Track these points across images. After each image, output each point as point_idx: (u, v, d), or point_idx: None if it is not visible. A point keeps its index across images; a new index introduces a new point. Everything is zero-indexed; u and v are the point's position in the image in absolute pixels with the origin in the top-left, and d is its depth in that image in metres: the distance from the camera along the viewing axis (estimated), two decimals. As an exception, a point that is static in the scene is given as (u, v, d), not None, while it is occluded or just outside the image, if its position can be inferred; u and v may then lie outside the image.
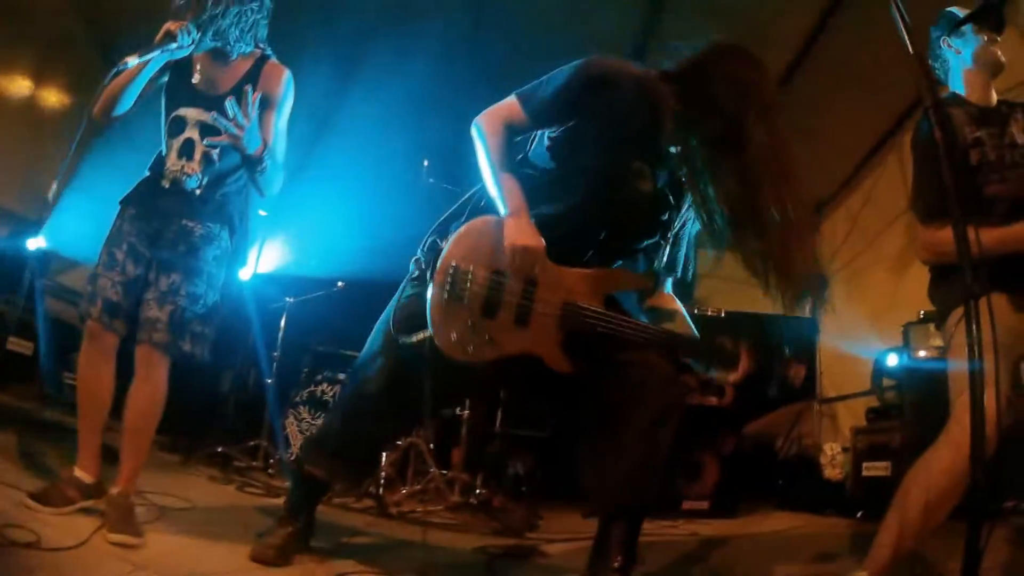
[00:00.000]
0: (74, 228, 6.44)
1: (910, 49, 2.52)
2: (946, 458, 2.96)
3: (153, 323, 3.37)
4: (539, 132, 3.22)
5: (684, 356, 3.25)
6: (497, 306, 2.92)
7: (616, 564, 2.90)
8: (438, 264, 2.92)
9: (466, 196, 3.26)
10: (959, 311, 3.07)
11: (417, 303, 2.98)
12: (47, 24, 6.43)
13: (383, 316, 3.32)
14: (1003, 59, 3.41)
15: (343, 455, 3.36)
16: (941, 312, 3.40)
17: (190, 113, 3.55)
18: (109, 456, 3.49)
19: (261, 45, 3.68)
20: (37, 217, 6.60)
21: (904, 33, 2.54)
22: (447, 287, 2.90)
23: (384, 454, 5.65)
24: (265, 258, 8.44)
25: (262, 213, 7.94)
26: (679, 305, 3.45)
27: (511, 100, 3.12)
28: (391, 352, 3.16)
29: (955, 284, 3.01)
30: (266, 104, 3.58)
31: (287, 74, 3.68)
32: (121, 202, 3.62)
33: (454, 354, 2.87)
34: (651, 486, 3.01)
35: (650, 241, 3.29)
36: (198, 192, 3.55)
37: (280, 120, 3.69)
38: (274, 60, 3.70)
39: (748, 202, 2.94)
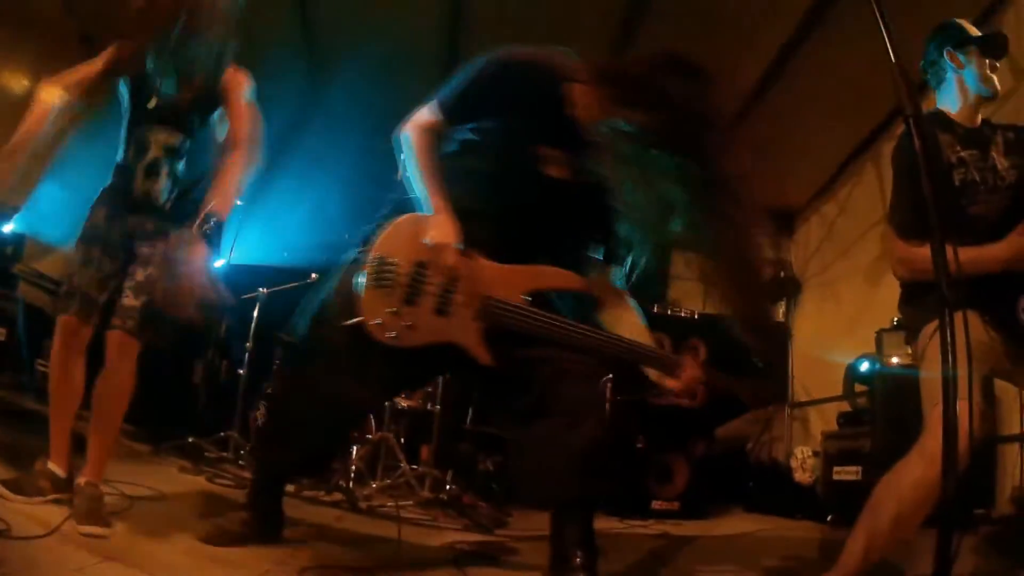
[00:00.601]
0: (50, 214, 6.39)
1: (893, 57, 2.53)
2: (918, 470, 2.97)
3: (127, 311, 3.35)
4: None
5: (616, 360, 3.25)
6: (418, 295, 3.01)
7: (577, 561, 2.92)
8: (368, 255, 3.04)
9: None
10: (931, 326, 3.12)
11: (351, 291, 3.03)
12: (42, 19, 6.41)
13: (313, 304, 3.43)
14: (999, 88, 3.43)
15: (289, 447, 3.39)
16: (912, 329, 3.42)
17: (153, 134, 3.53)
18: (79, 445, 3.46)
19: None
20: (11, 201, 6.54)
21: (888, 41, 2.55)
22: (374, 276, 3.00)
23: (336, 446, 5.67)
24: (239, 248, 8.42)
25: (238, 203, 7.89)
26: (631, 305, 3.47)
27: (428, 105, 3.23)
28: (324, 340, 3.23)
29: (928, 303, 3.13)
30: (225, 116, 3.60)
31: (245, 86, 3.63)
32: (92, 206, 3.60)
33: (380, 338, 2.96)
34: (570, 483, 2.99)
35: (599, 237, 3.42)
36: (167, 206, 3.56)
37: (243, 104, 3.62)
38: (232, 68, 3.61)
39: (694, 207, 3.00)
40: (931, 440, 3.03)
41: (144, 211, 3.53)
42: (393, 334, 2.96)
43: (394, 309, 2.97)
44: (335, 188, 8.16)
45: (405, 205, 3.20)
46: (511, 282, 3.10)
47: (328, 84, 7.87)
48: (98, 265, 3.45)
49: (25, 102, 3.35)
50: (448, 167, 3.20)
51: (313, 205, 8.30)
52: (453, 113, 3.19)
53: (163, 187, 3.54)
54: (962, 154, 3.32)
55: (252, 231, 8.63)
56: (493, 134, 3.19)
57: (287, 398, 3.48)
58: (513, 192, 3.15)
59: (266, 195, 8.58)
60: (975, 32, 3.46)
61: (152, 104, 3.52)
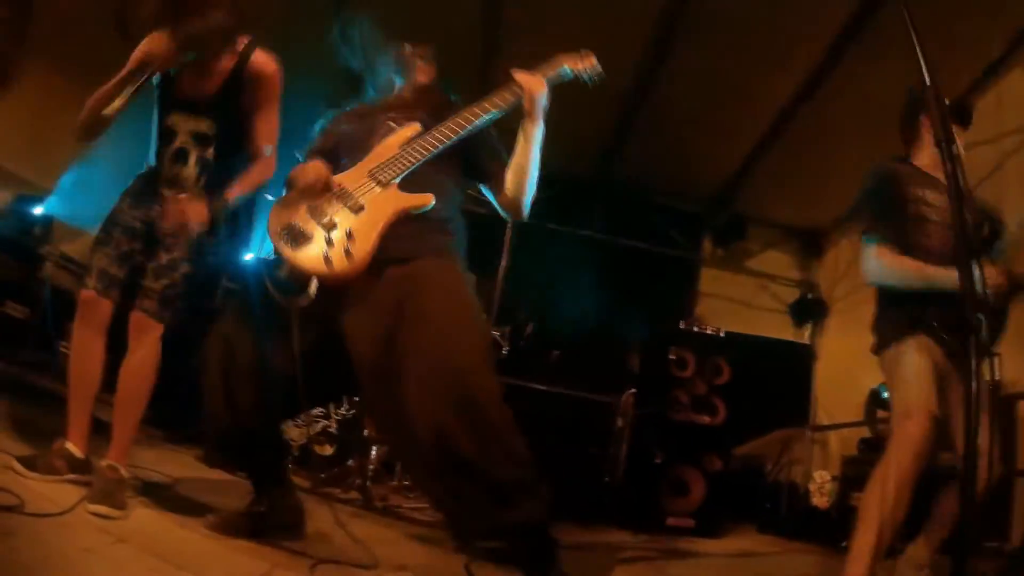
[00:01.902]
0: (80, 199, 6.46)
1: (927, 81, 2.52)
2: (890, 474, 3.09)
3: (148, 292, 3.42)
4: None
5: None
6: (331, 219, 3.07)
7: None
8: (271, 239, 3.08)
9: None
10: (904, 344, 3.56)
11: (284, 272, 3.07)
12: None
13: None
14: (963, 152, 3.73)
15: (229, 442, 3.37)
16: (884, 339, 3.76)
17: (180, 122, 3.59)
18: (101, 429, 3.48)
19: (244, 36, 3.64)
20: (45, 185, 6.61)
21: (923, 65, 2.55)
22: (290, 241, 3.02)
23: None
24: (268, 242, 8.46)
25: (270, 198, 7.93)
26: None
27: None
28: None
29: (903, 313, 3.60)
30: (255, 110, 3.65)
31: (273, 68, 3.66)
32: (122, 194, 3.66)
33: (340, 273, 2.97)
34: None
35: None
36: (196, 191, 3.57)
37: (272, 116, 3.71)
38: (260, 51, 3.64)
39: None
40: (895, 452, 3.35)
41: (170, 200, 3.54)
42: (344, 263, 2.98)
43: (326, 239, 3.02)
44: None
45: None
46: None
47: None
48: (116, 243, 3.50)
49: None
50: None
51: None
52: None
53: (191, 173, 3.58)
54: (923, 192, 3.85)
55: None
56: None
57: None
58: None
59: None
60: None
61: (177, 93, 3.58)
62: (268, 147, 3.68)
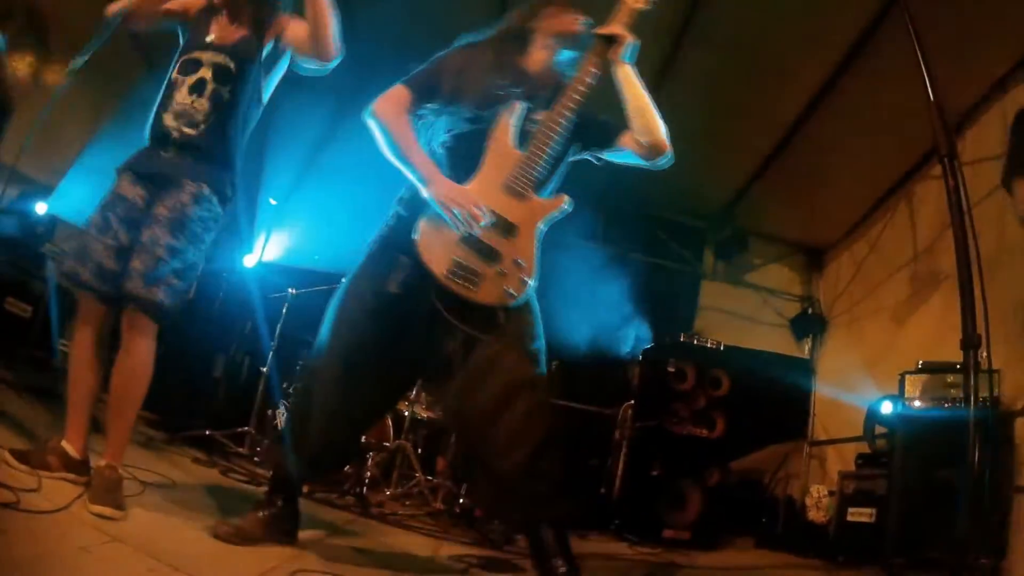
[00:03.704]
0: (83, 197, 6.46)
1: (932, 96, 2.53)
2: None
3: (131, 272, 3.31)
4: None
5: None
6: (493, 250, 3.14)
7: (562, 570, 2.96)
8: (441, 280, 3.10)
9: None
10: None
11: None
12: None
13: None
14: None
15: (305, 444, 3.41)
16: None
17: (204, 55, 3.56)
18: (100, 430, 3.47)
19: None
20: (48, 182, 6.62)
21: (928, 81, 2.56)
22: (466, 283, 3.10)
23: (367, 454, 5.71)
24: (271, 247, 8.48)
25: (272, 202, 7.98)
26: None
27: (397, 86, 3.39)
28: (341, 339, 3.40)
29: None
30: (280, 34, 3.66)
31: (297, 21, 3.63)
32: (118, 169, 3.58)
33: (521, 298, 3.19)
34: (518, 511, 3.20)
35: None
36: (199, 135, 3.50)
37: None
38: (285, 15, 3.68)
39: None
40: None
41: (172, 149, 3.50)
42: (511, 289, 3.14)
43: (498, 271, 3.13)
44: (372, 193, 8.20)
45: (412, 202, 3.33)
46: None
47: (371, 85, 7.91)
48: (115, 235, 3.42)
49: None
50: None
51: (349, 210, 8.33)
52: (421, 88, 3.39)
53: (204, 105, 3.51)
54: None
55: (285, 231, 8.68)
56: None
57: (305, 395, 3.43)
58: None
59: (301, 196, 8.64)
60: None
61: (204, 36, 3.59)
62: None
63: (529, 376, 3.19)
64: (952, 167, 2.56)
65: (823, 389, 8.79)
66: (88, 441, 3.44)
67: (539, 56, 3.51)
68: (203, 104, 3.50)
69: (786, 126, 7.35)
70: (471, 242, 3.11)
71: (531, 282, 3.19)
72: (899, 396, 5.81)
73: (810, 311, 9.34)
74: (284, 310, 6.82)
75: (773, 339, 9.35)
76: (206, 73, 3.53)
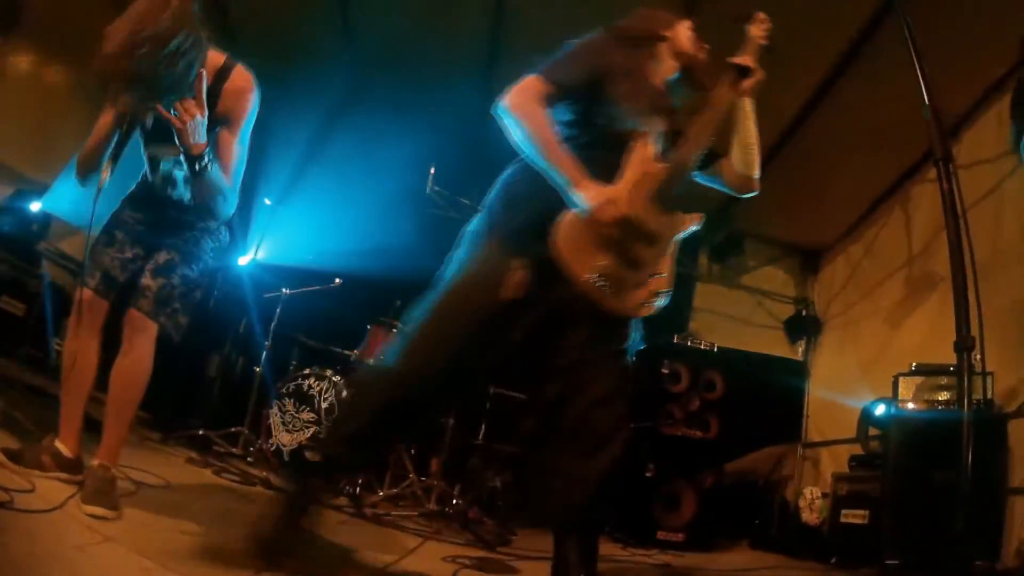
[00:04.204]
0: (77, 195, 6.46)
1: (927, 99, 2.54)
2: None
3: (144, 290, 3.40)
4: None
5: None
6: (635, 259, 3.08)
7: None
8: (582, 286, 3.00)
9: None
10: None
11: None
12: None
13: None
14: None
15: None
16: None
17: (159, 151, 3.53)
18: (93, 427, 3.46)
19: (220, 54, 3.47)
20: (43, 180, 6.61)
21: (923, 84, 2.57)
22: (611, 290, 3.03)
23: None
24: (265, 247, 8.47)
25: (267, 202, 7.97)
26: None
27: (531, 77, 3.11)
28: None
29: None
30: (226, 123, 3.46)
31: (252, 91, 3.50)
32: (119, 205, 3.66)
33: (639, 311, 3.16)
34: (582, 508, 3.06)
35: None
36: (192, 204, 3.59)
37: (242, 139, 3.53)
38: (239, 69, 3.48)
39: None
40: None
41: (168, 207, 3.58)
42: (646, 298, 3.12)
43: (638, 283, 3.09)
44: (365, 194, 8.20)
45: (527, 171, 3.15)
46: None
47: (366, 88, 7.91)
48: (121, 247, 3.51)
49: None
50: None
51: (342, 210, 8.33)
52: (561, 80, 3.12)
53: (183, 192, 3.57)
54: None
55: (279, 231, 8.67)
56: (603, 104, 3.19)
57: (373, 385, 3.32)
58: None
59: (296, 196, 8.63)
60: None
61: (150, 125, 3.50)
62: (235, 176, 3.54)
63: (626, 386, 3.19)
64: (947, 170, 2.57)
65: (817, 391, 8.80)
66: (82, 440, 3.44)
67: (664, 70, 3.42)
68: (180, 189, 3.59)
69: (782, 129, 7.35)
70: (616, 250, 3.02)
71: (667, 295, 3.16)
72: (893, 398, 5.82)
73: (804, 313, 9.34)
74: (278, 310, 6.81)
75: (767, 341, 9.35)
76: (167, 167, 3.56)
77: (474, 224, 3.29)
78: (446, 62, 7.36)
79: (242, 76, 3.48)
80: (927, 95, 2.60)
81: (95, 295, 3.45)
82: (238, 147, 3.51)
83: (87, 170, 3.43)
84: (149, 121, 3.50)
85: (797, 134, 7.35)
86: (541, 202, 3.02)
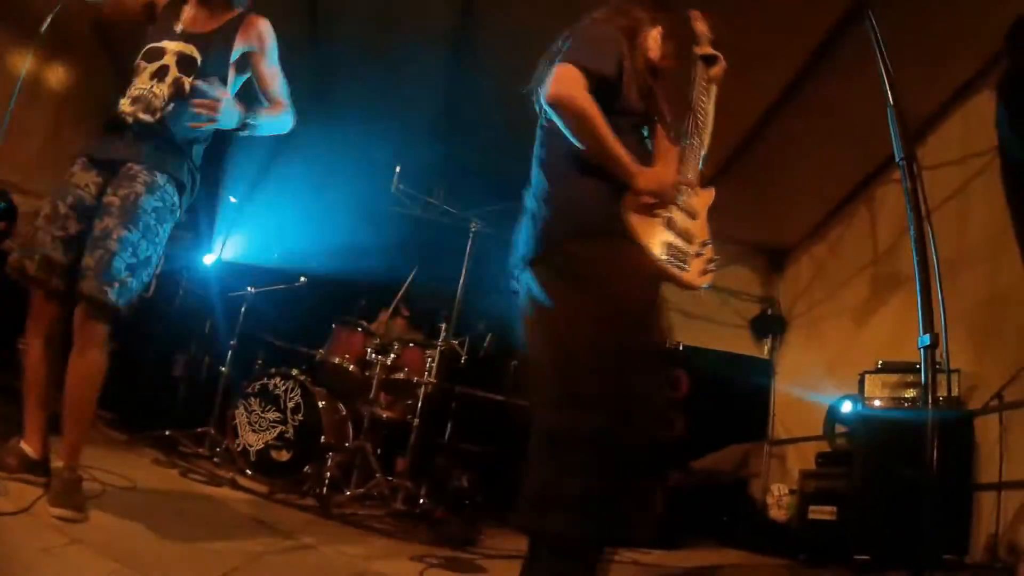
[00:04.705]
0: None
1: (891, 99, 2.55)
2: None
3: (84, 271, 3.20)
4: None
5: None
6: (688, 232, 3.15)
7: None
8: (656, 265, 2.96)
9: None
10: None
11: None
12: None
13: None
14: None
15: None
16: None
17: (170, 44, 3.51)
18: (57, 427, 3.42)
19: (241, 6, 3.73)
20: (10, 178, 6.51)
21: (888, 85, 2.58)
22: (677, 264, 3.02)
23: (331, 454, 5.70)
24: (230, 246, 8.42)
25: (233, 200, 7.93)
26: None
27: (568, 67, 2.93)
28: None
29: None
30: (253, 54, 3.68)
31: (268, 24, 3.72)
32: (75, 155, 3.50)
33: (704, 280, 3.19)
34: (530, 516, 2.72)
35: None
36: (156, 122, 3.42)
37: (272, 65, 3.74)
38: (255, 14, 3.72)
39: None
40: None
41: (128, 133, 3.42)
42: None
43: (695, 252, 3.14)
44: (330, 193, 8.17)
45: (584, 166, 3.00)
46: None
47: (331, 86, 7.87)
48: (63, 224, 3.33)
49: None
50: None
51: (308, 209, 8.30)
52: (602, 67, 3.00)
53: (163, 96, 3.44)
54: None
55: (245, 230, 8.63)
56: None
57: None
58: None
59: (261, 195, 8.59)
60: None
61: (173, 25, 3.57)
62: (283, 91, 3.77)
63: None
64: (911, 170, 2.58)
65: (783, 389, 8.85)
66: (48, 441, 3.39)
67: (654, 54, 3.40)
68: (163, 90, 3.44)
69: (748, 128, 7.38)
70: (673, 226, 3.04)
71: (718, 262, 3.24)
72: (859, 395, 5.87)
73: (770, 312, 9.39)
74: (243, 309, 6.76)
75: (733, 340, 9.39)
76: (170, 60, 3.49)
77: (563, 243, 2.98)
78: (412, 59, 7.33)
79: (258, 17, 3.72)
80: (891, 95, 2.61)
81: (42, 290, 3.33)
82: (273, 68, 3.75)
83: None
84: (167, 15, 3.63)
85: (763, 134, 7.37)
86: (611, 194, 2.95)
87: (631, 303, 2.87)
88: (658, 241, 2.96)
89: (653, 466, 2.81)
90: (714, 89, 3.50)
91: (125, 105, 3.44)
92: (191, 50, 3.49)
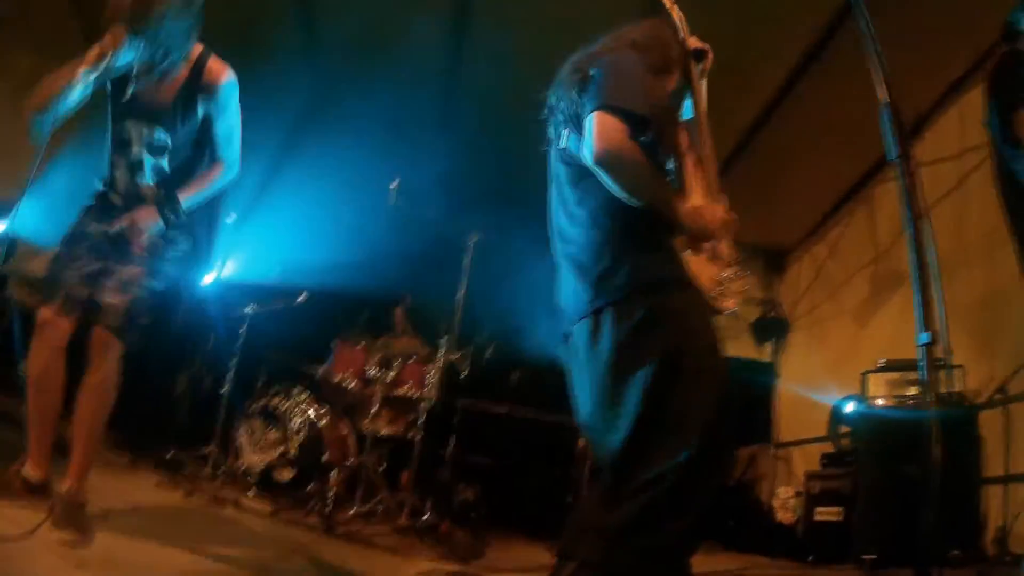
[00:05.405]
0: (43, 215, 6.36)
1: (887, 97, 2.54)
2: None
3: (109, 308, 3.33)
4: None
5: None
6: (723, 258, 2.99)
7: None
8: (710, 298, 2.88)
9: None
10: None
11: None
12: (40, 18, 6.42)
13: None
14: None
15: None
16: None
17: (133, 129, 3.51)
18: (61, 449, 3.40)
19: (198, 44, 3.57)
20: (6, 199, 6.48)
21: (883, 83, 2.57)
22: (720, 295, 2.90)
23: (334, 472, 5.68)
24: (229, 265, 8.41)
25: (230, 219, 7.91)
26: None
27: (608, 116, 2.75)
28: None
29: None
30: (210, 113, 3.58)
31: (228, 78, 3.58)
32: (80, 210, 3.61)
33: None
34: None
35: None
36: (154, 197, 3.53)
37: (224, 127, 3.64)
38: (214, 60, 3.57)
39: None
40: None
41: (129, 206, 3.51)
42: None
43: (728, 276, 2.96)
44: (330, 209, 8.16)
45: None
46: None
47: (328, 101, 7.86)
48: (83, 263, 3.43)
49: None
50: None
51: (306, 226, 8.29)
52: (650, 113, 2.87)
53: (148, 184, 3.54)
54: None
55: (244, 248, 8.62)
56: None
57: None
58: None
59: (259, 212, 8.58)
60: None
61: (131, 101, 3.49)
62: (230, 152, 3.67)
63: None
64: (907, 168, 2.57)
65: (787, 391, 8.83)
66: (52, 464, 3.37)
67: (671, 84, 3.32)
68: (147, 185, 3.57)
69: (744, 130, 7.37)
70: (716, 255, 2.93)
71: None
72: (862, 395, 5.85)
73: (772, 314, 9.37)
74: (244, 327, 6.74)
75: (734, 343, 9.37)
76: (138, 148, 3.53)
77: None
78: (409, 74, 7.33)
79: (217, 68, 3.57)
80: (886, 92, 2.60)
81: (57, 315, 3.37)
82: (229, 130, 3.65)
83: (39, 108, 3.28)
84: (128, 92, 3.48)
85: (758, 136, 7.37)
86: (665, 239, 2.87)
87: (712, 351, 2.80)
88: (707, 277, 2.88)
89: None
90: (704, 84, 3.41)
91: (119, 186, 3.58)
92: (156, 134, 3.51)
